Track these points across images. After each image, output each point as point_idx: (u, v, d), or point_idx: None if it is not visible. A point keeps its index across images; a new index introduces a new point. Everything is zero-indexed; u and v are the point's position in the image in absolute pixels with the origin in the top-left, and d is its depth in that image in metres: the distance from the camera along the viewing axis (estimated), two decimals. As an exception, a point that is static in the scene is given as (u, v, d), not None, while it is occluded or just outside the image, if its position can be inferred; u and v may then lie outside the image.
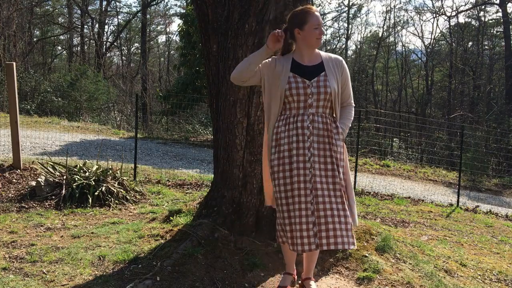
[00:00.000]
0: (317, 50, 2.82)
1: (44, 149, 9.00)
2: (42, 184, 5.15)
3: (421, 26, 54.18)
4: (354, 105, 2.92)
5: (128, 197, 5.39)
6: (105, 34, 30.01)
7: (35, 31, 28.78)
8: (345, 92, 2.84)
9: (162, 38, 41.18)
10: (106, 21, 30.25)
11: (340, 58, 2.85)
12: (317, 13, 2.72)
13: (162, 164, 8.97)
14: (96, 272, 3.19)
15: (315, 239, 2.62)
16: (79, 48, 30.76)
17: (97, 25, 28.56)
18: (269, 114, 2.80)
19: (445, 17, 36.00)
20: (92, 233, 4.03)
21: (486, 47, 26.86)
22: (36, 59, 27.72)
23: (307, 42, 2.73)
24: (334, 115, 2.79)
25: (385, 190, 8.33)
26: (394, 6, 43.89)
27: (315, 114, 2.71)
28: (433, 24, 61.54)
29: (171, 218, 4.08)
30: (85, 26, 29.56)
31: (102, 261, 3.37)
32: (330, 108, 2.77)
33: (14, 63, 5.96)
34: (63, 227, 4.28)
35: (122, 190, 5.40)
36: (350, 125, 2.89)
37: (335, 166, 2.68)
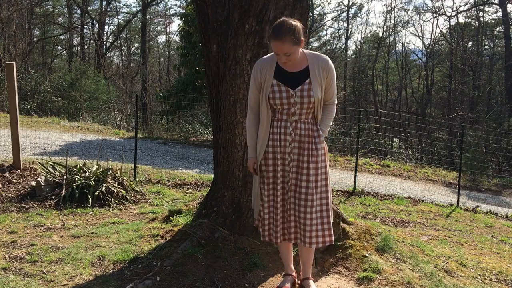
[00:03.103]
0: (301, 51, 2.73)
1: (44, 149, 9.00)
2: (42, 184, 5.15)
3: (421, 26, 54.18)
4: (336, 102, 2.88)
5: (128, 197, 5.39)
6: (105, 34, 30.03)
7: (35, 31, 28.81)
8: (329, 91, 2.78)
9: (162, 38, 41.24)
10: (106, 21, 30.30)
11: (327, 59, 2.75)
12: (277, 43, 2.55)
13: (162, 164, 8.97)
14: (96, 272, 3.19)
15: (285, 231, 2.85)
16: (79, 48, 30.79)
17: (97, 25, 28.57)
18: (262, 118, 2.80)
19: (445, 17, 36.08)
20: (92, 233, 4.03)
21: (486, 47, 26.88)
22: (36, 59, 27.73)
23: None
24: (316, 119, 2.79)
25: (385, 190, 8.32)
26: (395, 6, 43.97)
27: (298, 121, 2.74)
28: (433, 24, 61.60)
29: (171, 218, 4.09)
30: (85, 26, 29.61)
31: (102, 261, 3.37)
32: (312, 113, 2.78)
33: (14, 63, 5.96)
34: (63, 227, 4.28)
35: (122, 190, 5.40)
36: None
37: (315, 171, 2.75)
